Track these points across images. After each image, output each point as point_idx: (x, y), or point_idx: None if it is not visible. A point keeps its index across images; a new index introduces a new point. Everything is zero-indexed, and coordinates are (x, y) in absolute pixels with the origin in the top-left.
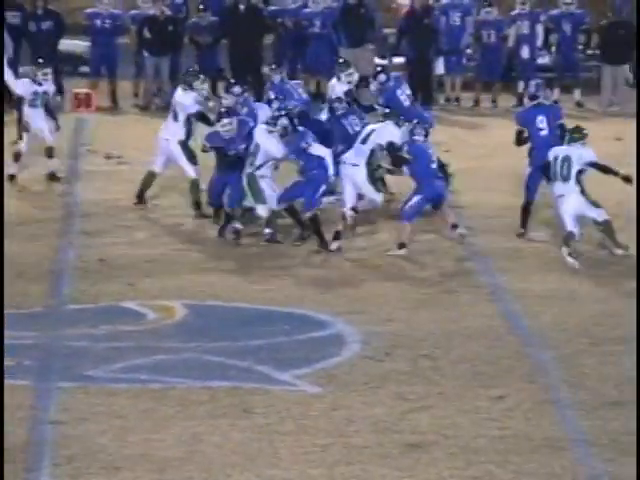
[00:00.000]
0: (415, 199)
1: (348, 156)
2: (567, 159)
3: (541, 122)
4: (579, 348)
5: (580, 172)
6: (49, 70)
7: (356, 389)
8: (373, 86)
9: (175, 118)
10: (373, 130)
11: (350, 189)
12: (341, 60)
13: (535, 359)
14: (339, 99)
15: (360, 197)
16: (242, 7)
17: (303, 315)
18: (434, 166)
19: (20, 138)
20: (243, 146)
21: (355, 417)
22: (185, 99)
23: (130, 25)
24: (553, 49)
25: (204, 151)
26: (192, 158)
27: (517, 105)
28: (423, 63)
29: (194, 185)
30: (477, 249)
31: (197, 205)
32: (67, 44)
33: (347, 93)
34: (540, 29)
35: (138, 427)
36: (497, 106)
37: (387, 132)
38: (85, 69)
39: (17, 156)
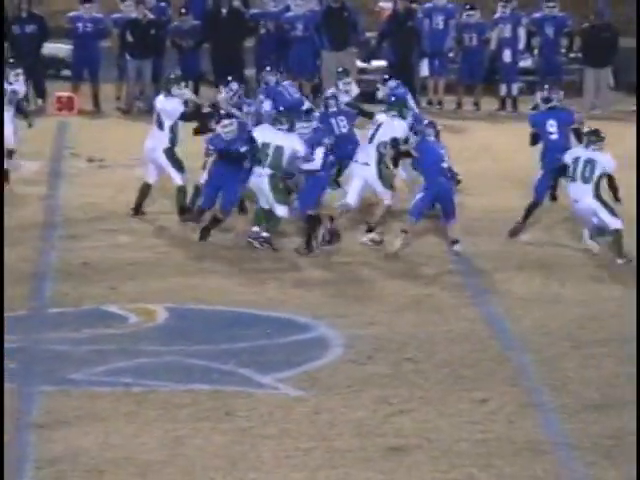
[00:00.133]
0: (420, 195)
1: (359, 155)
2: (591, 162)
3: (551, 126)
4: (561, 351)
5: (600, 177)
6: (20, 71)
7: (339, 392)
8: (382, 92)
9: (160, 126)
10: (380, 126)
11: (357, 186)
12: (340, 69)
13: (517, 362)
14: (334, 97)
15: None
16: (224, 10)
17: (286, 318)
18: (444, 165)
19: None
20: (244, 148)
21: (338, 420)
22: (167, 105)
23: (112, 28)
24: (536, 52)
25: (208, 155)
26: (179, 165)
27: (500, 109)
28: (406, 66)
29: (180, 192)
30: (457, 252)
31: (182, 211)
32: (50, 47)
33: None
34: (522, 32)
35: (121, 430)
36: (479, 109)
37: (391, 128)
38: (67, 72)
39: None
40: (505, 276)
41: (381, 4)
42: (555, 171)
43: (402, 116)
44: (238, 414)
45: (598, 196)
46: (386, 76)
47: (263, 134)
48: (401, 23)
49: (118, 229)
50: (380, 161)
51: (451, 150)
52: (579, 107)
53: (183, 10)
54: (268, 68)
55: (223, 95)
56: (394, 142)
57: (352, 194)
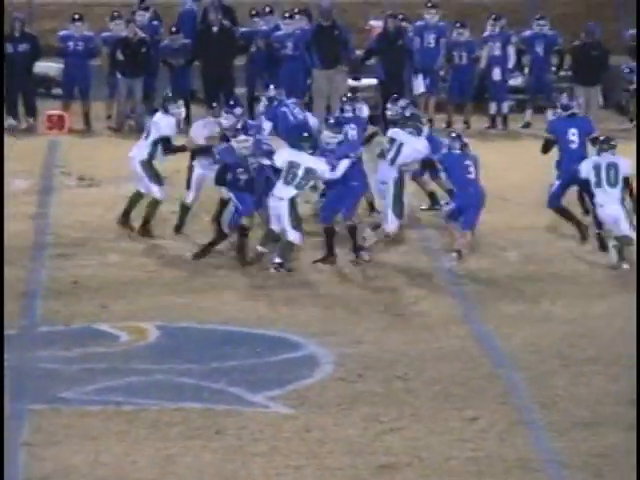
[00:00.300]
0: (450, 206)
1: (379, 173)
2: (614, 165)
3: (573, 134)
4: (551, 369)
5: (626, 180)
6: None
7: (329, 410)
8: (392, 111)
9: (146, 137)
10: (401, 146)
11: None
12: (349, 94)
13: (508, 380)
14: (351, 100)
15: None
16: (215, 29)
17: (276, 336)
18: (470, 176)
19: None
20: (255, 166)
21: (328, 438)
22: (162, 121)
23: (102, 47)
24: (526, 70)
25: (215, 163)
26: (156, 178)
27: (490, 127)
28: (396, 84)
29: (153, 203)
30: (449, 269)
31: (146, 221)
32: (40, 66)
33: (364, 127)
34: (511, 50)
35: (111, 449)
36: (470, 127)
37: (413, 149)
38: (58, 91)
39: None
40: (495, 293)
41: (371, 22)
42: (571, 181)
43: (418, 132)
44: (229, 432)
45: (623, 203)
46: (395, 95)
47: (290, 154)
48: (391, 41)
49: (108, 247)
50: (399, 184)
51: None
52: None
53: (173, 29)
54: (272, 86)
55: (225, 122)
56: (424, 162)
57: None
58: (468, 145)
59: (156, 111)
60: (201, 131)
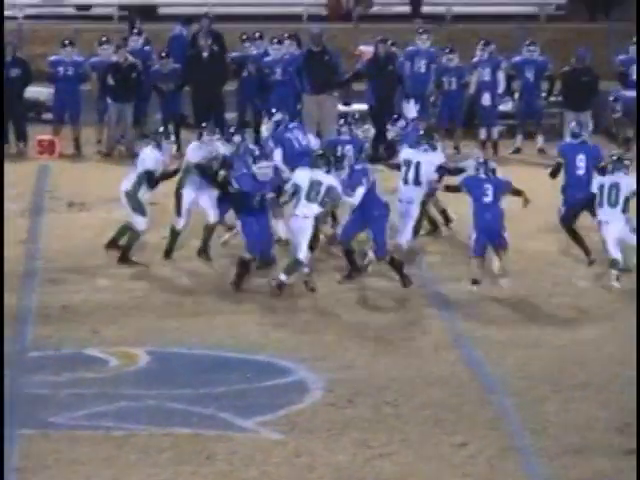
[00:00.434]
0: (473, 234)
1: (404, 194)
2: (615, 186)
3: (581, 161)
4: (542, 395)
5: (627, 200)
6: None
7: (319, 436)
8: (392, 132)
9: (135, 169)
10: (419, 165)
11: (407, 223)
12: (357, 116)
13: (498, 406)
14: (348, 124)
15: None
16: (205, 54)
17: (266, 362)
18: (486, 200)
19: None
20: (271, 194)
21: (318, 464)
22: (148, 157)
23: (90, 72)
24: (516, 96)
25: (232, 191)
26: (140, 209)
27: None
28: (387, 109)
29: (134, 234)
30: (439, 295)
31: (126, 250)
32: (31, 91)
33: (361, 149)
34: (501, 76)
35: (101, 474)
36: (460, 153)
37: (429, 165)
38: (49, 116)
39: None
40: (485, 319)
41: (361, 47)
42: (577, 205)
43: (433, 147)
44: (219, 458)
45: (627, 220)
46: (395, 116)
47: (311, 172)
48: (382, 66)
49: (98, 272)
50: (424, 203)
51: None
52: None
53: (163, 54)
54: (274, 110)
55: (224, 149)
56: (440, 170)
57: (404, 233)
58: (495, 170)
59: (146, 137)
60: (197, 153)
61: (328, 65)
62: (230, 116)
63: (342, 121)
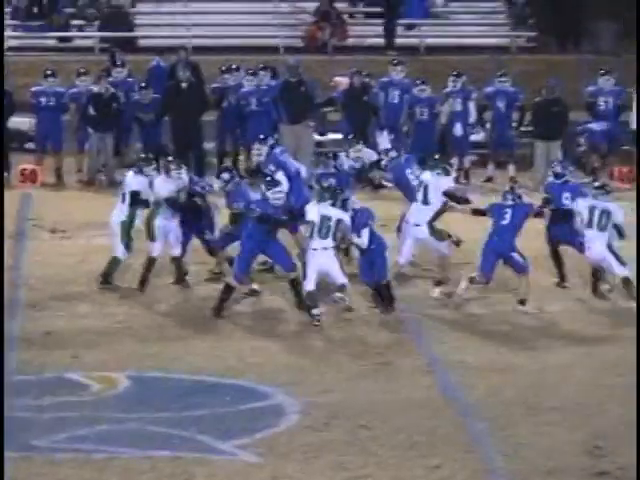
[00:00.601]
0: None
1: (412, 217)
2: (606, 212)
3: (566, 199)
4: (514, 419)
5: (615, 227)
6: None
7: (296, 458)
8: (385, 161)
9: (123, 200)
10: (427, 187)
11: (409, 244)
12: (350, 136)
13: (471, 429)
14: (334, 156)
15: None
16: (184, 85)
17: (244, 386)
18: (503, 222)
19: None
20: (285, 217)
21: None
22: (132, 180)
23: (69, 102)
24: (487, 125)
25: (254, 215)
26: (127, 240)
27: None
28: (362, 139)
29: (115, 261)
30: (414, 320)
31: (106, 277)
32: (14, 121)
33: (360, 170)
34: (472, 106)
35: None
36: None
37: (438, 186)
38: (31, 145)
39: None
40: (460, 344)
41: (337, 79)
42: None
43: (446, 172)
44: None
45: (609, 246)
46: (388, 146)
47: (320, 208)
48: (357, 97)
49: (80, 298)
50: (435, 218)
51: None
52: (530, 180)
53: (143, 84)
54: (262, 136)
55: (217, 186)
56: (444, 195)
57: (405, 252)
58: (521, 196)
59: (130, 167)
60: (165, 186)
61: (305, 95)
62: (209, 146)
63: (322, 157)
